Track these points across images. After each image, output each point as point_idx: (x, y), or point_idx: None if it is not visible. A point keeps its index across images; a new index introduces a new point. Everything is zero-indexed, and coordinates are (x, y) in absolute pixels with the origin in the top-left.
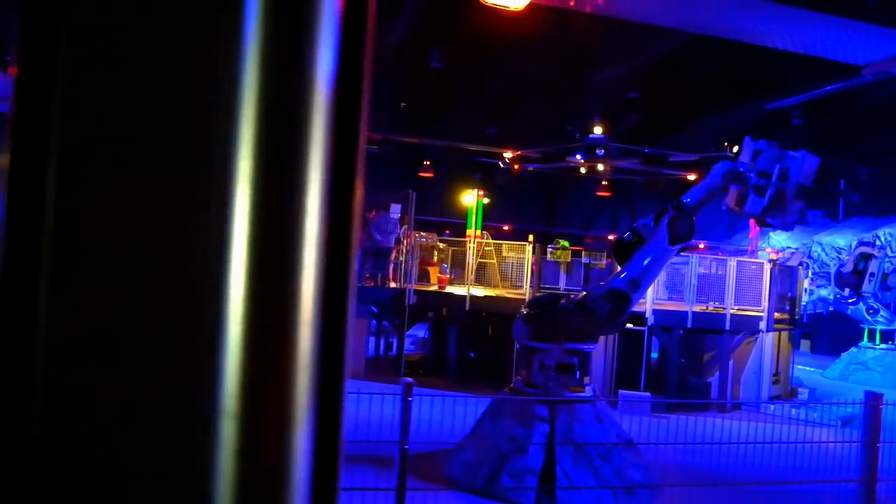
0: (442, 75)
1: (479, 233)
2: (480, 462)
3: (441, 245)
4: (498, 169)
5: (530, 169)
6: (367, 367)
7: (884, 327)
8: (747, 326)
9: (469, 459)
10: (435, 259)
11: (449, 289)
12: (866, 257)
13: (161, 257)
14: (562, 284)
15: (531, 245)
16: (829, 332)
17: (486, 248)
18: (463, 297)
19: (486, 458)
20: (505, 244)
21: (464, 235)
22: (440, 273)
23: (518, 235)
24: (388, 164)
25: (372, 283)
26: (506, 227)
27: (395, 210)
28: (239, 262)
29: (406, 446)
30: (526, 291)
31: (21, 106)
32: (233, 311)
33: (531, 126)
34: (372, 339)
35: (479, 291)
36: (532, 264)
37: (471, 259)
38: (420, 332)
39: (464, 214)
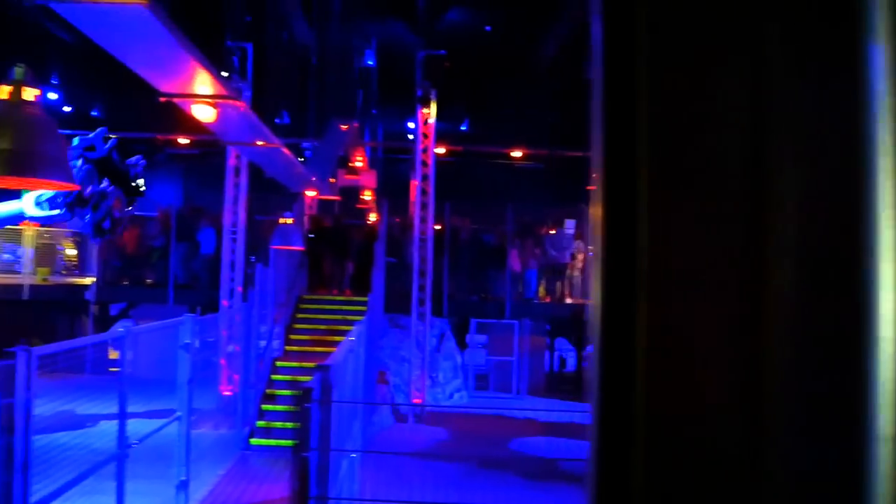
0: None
1: None
2: None
3: None
4: None
5: None
6: (545, 385)
7: None
8: None
9: None
10: None
11: None
12: None
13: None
14: None
15: None
16: None
17: None
18: None
19: None
20: None
21: None
22: None
23: None
24: (556, 180)
25: (549, 299)
26: None
27: (570, 226)
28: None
29: None
30: None
31: (609, 132)
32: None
33: None
34: (548, 356)
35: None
36: None
37: None
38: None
39: None
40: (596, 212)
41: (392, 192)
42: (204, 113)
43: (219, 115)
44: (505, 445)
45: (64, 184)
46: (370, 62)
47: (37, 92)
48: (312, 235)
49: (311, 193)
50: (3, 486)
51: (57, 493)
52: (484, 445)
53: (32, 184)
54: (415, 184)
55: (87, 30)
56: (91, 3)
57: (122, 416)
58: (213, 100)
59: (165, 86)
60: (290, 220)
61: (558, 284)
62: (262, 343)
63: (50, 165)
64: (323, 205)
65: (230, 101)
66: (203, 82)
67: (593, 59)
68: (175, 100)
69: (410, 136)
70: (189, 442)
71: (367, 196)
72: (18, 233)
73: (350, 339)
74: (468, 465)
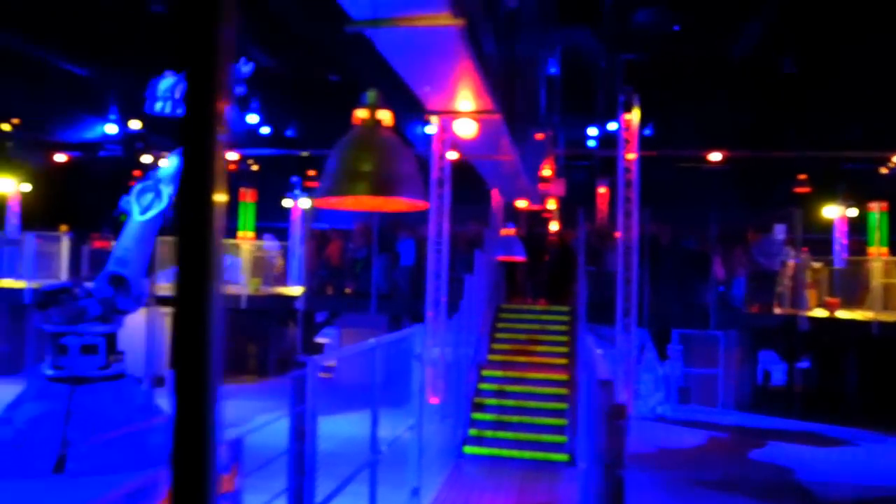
0: (797, 80)
1: (882, 249)
2: None
3: (816, 265)
4: (875, 176)
5: None
6: (751, 399)
7: None
8: None
9: None
10: (809, 280)
11: (840, 314)
12: None
13: None
14: None
15: None
16: None
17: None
18: (864, 324)
19: None
20: None
21: (826, 252)
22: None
23: None
24: (755, 183)
25: (755, 310)
26: None
27: (780, 231)
28: None
29: None
30: None
31: None
32: None
33: None
34: (752, 369)
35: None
36: None
37: (870, 279)
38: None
39: (824, 228)
40: None
41: (574, 200)
42: (467, 128)
43: (480, 129)
44: (729, 461)
45: (421, 202)
46: (553, 69)
47: (390, 114)
48: None
49: (521, 203)
50: (296, 490)
51: (328, 498)
52: (703, 462)
53: (393, 204)
54: (600, 191)
55: (390, 51)
56: (409, 27)
57: (374, 424)
58: (476, 115)
59: (433, 103)
60: (512, 231)
61: (766, 294)
62: (469, 352)
63: (408, 184)
64: (508, 214)
65: (489, 116)
66: (466, 97)
67: None
68: (441, 116)
69: (591, 143)
70: (421, 449)
71: (552, 205)
72: (233, 246)
73: (598, 351)
74: (688, 480)
